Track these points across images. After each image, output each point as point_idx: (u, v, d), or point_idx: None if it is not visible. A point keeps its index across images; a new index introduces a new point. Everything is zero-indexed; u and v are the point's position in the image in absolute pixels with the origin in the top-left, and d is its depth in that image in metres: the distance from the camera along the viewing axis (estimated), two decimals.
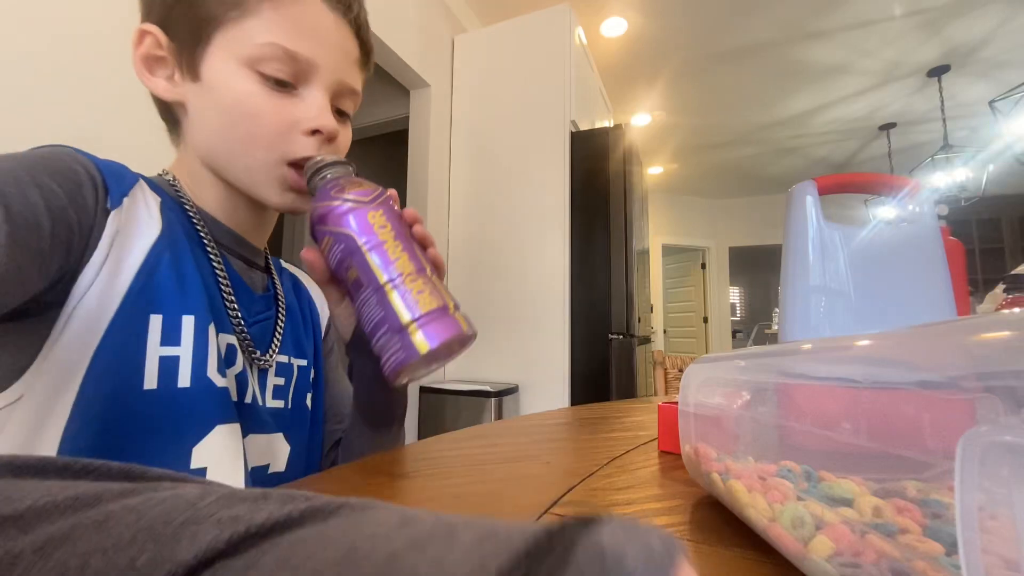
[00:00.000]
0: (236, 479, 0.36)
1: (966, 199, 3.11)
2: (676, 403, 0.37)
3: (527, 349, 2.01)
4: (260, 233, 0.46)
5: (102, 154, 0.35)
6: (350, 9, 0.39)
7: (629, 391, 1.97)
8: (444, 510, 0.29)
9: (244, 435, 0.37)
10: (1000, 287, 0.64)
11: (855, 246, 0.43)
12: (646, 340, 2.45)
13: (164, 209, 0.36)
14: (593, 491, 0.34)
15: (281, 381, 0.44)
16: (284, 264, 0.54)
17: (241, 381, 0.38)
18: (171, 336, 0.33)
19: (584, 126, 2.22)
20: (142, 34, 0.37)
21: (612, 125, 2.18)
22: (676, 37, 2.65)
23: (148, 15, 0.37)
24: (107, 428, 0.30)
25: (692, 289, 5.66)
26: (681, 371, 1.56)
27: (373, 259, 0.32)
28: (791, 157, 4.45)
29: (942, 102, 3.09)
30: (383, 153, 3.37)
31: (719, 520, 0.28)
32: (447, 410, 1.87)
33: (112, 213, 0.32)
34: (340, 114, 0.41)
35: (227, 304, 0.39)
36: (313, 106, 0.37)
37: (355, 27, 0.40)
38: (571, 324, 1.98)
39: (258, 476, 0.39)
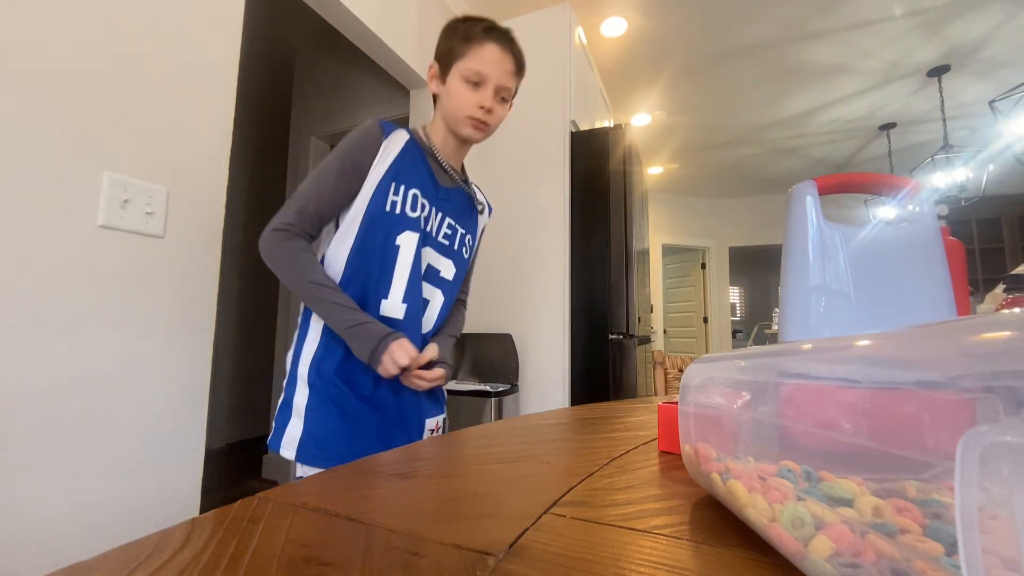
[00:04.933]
0: (409, 258, 0.77)
1: (966, 199, 3.11)
2: (676, 403, 0.37)
3: (527, 348, 2.01)
4: (457, 157, 0.86)
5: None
6: (512, 46, 0.79)
7: (629, 391, 1.97)
8: (444, 510, 0.29)
9: (421, 245, 0.78)
10: (1000, 287, 0.65)
11: (855, 246, 0.43)
12: (646, 340, 2.44)
13: (408, 143, 0.79)
14: (593, 491, 0.34)
15: (449, 232, 0.84)
16: (476, 186, 0.94)
17: (426, 220, 0.79)
18: (401, 194, 0.76)
19: (584, 126, 2.22)
20: (432, 66, 0.82)
21: (612, 125, 2.18)
22: (676, 37, 2.65)
23: (434, 55, 0.82)
24: (368, 233, 0.75)
25: (692, 289, 5.66)
26: (681, 371, 1.56)
27: None
28: (791, 157, 4.45)
29: (942, 102, 3.09)
30: None
31: (719, 520, 0.28)
32: (447, 410, 1.87)
33: (383, 141, 0.76)
34: (503, 100, 0.80)
35: (432, 180, 0.81)
36: (485, 96, 0.77)
37: (513, 55, 0.79)
38: (571, 324, 1.98)
39: (430, 276, 0.82)
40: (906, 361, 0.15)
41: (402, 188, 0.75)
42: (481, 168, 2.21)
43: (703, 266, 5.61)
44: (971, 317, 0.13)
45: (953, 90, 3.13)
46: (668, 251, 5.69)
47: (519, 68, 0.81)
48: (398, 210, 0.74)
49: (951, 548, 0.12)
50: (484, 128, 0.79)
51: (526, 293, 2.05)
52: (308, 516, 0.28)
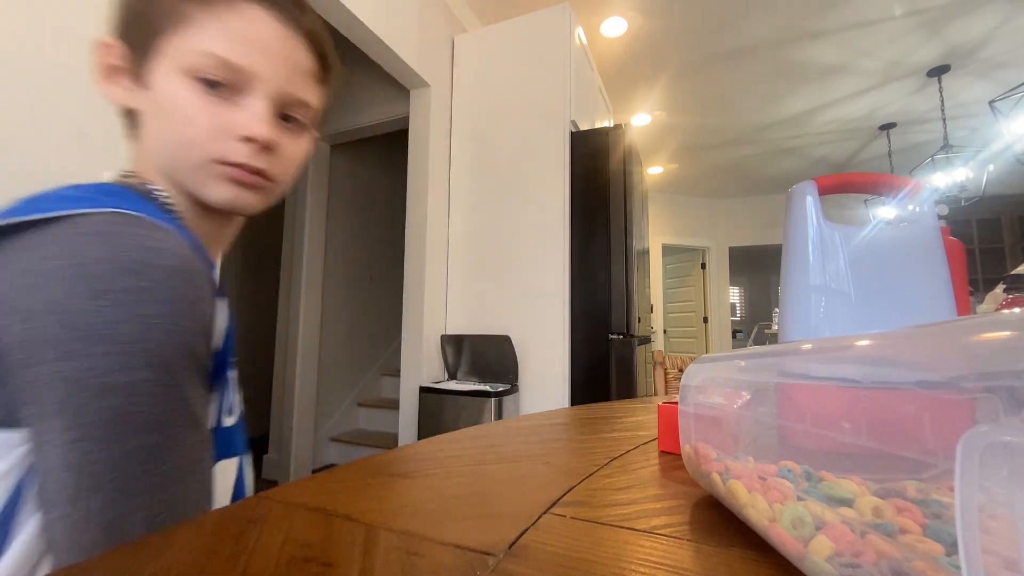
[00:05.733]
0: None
1: (966, 199, 3.11)
2: (676, 403, 0.37)
3: (527, 348, 2.01)
4: (218, 246, 0.45)
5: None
6: (299, 20, 0.39)
7: (629, 391, 1.97)
8: (444, 510, 0.29)
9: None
10: (1000, 287, 0.65)
11: (855, 246, 0.43)
12: (646, 340, 2.44)
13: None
14: (593, 491, 0.34)
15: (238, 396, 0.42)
16: None
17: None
18: None
19: (584, 126, 2.22)
20: (102, 45, 0.38)
21: (612, 125, 2.18)
22: (676, 37, 2.65)
23: (111, 30, 0.39)
24: None
25: (692, 289, 5.66)
26: (681, 371, 1.56)
27: None
28: (791, 157, 4.45)
29: (942, 102, 3.09)
30: (383, 153, 3.37)
31: (719, 520, 0.28)
32: (447, 410, 1.87)
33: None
34: (289, 122, 0.41)
35: None
36: (248, 113, 0.37)
37: (307, 38, 0.40)
38: (571, 324, 1.98)
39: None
40: (906, 361, 0.15)
41: None
42: (480, 168, 2.21)
43: (703, 266, 5.61)
44: (971, 317, 0.13)
45: (953, 90, 3.13)
46: (668, 251, 5.69)
47: (323, 67, 0.43)
48: None
49: (951, 548, 0.12)
50: (258, 183, 0.39)
51: (526, 293, 2.05)
52: (308, 516, 0.28)
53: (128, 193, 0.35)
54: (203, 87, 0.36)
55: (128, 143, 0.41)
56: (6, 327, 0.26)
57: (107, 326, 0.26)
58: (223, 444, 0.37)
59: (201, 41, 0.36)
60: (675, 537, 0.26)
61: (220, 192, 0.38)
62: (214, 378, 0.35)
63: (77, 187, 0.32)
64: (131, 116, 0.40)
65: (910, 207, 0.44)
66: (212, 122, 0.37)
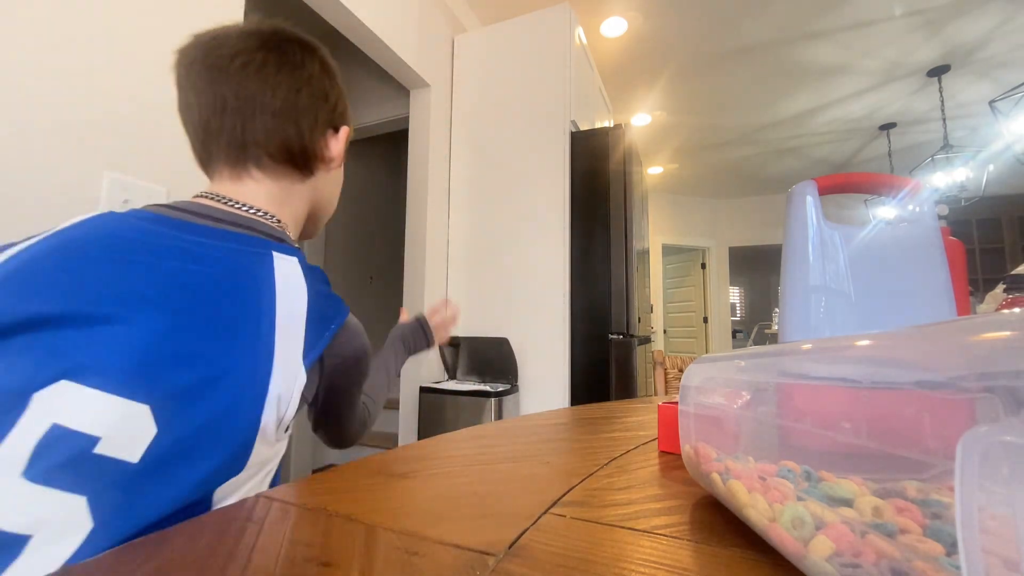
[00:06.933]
0: None
1: (966, 199, 3.11)
2: (676, 403, 0.37)
3: (527, 349, 2.01)
4: None
5: None
6: None
7: (629, 391, 1.97)
8: (444, 510, 0.29)
9: None
10: (1000, 287, 0.65)
11: (855, 246, 0.43)
12: (646, 340, 2.44)
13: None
14: (593, 491, 0.34)
15: None
16: None
17: None
18: None
19: (584, 126, 2.22)
20: (347, 131, 0.55)
21: (612, 125, 2.18)
22: (676, 37, 2.65)
23: (336, 110, 0.54)
24: None
25: (692, 289, 5.66)
26: (681, 371, 1.56)
27: None
28: (791, 157, 4.45)
29: (942, 102, 3.09)
30: (383, 153, 3.37)
31: (719, 520, 0.28)
32: (447, 410, 1.87)
33: None
34: None
35: None
36: None
37: None
38: (571, 324, 1.98)
39: None
40: (906, 361, 0.15)
41: None
42: (480, 168, 2.21)
43: (703, 266, 5.61)
44: (971, 317, 0.13)
45: (953, 90, 3.13)
46: (668, 251, 5.70)
47: None
48: None
49: (951, 548, 0.12)
50: None
51: (526, 293, 2.05)
52: (308, 516, 0.28)
53: (325, 276, 0.50)
54: None
55: (282, 181, 0.51)
56: (336, 368, 0.47)
57: (365, 354, 0.51)
58: None
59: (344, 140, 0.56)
60: (675, 537, 0.26)
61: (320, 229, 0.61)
62: None
63: (323, 280, 0.47)
64: (315, 163, 0.53)
65: (910, 207, 0.44)
66: None
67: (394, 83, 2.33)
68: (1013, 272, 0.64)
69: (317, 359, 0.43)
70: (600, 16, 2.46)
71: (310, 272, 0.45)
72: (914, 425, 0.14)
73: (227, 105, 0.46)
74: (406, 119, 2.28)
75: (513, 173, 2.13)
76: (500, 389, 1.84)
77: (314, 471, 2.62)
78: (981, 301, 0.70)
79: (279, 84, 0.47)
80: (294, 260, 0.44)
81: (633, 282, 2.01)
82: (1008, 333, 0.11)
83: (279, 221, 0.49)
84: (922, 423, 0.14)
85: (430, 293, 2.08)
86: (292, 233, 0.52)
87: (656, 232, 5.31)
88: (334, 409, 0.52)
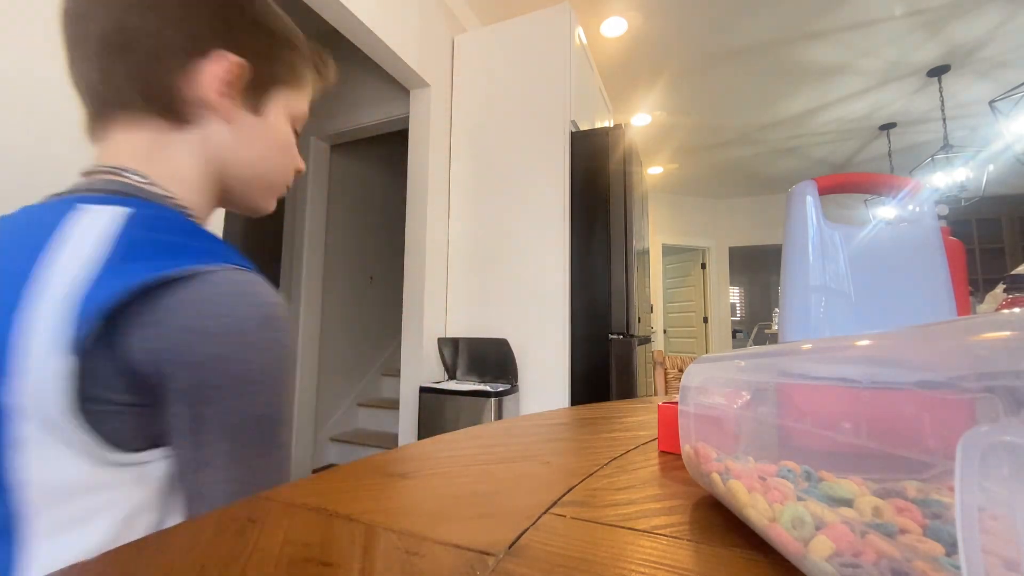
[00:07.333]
0: None
1: (966, 199, 3.11)
2: (676, 403, 0.37)
3: (526, 348, 2.01)
4: None
5: None
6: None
7: (629, 391, 1.97)
8: (444, 510, 0.29)
9: None
10: (1000, 287, 0.65)
11: (855, 246, 0.43)
12: (646, 340, 2.44)
13: None
14: (593, 491, 0.34)
15: None
16: None
17: None
18: None
19: (584, 126, 2.22)
20: (238, 64, 0.42)
21: (612, 125, 2.18)
22: (676, 37, 2.65)
23: (229, 47, 0.42)
24: None
25: (692, 289, 5.66)
26: (681, 371, 1.56)
27: None
28: (791, 157, 4.45)
29: (942, 102, 3.09)
30: (383, 153, 3.37)
31: (719, 520, 0.28)
32: (447, 410, 1.87)
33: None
34: None
35: None
36: (298, 155, 0.52)
37: None
38: (571, 324, 1.98)
39: None
40: (906, 361, 0.15)
41: None
42: (480, 168, 2.21)
43: (703, 266, 5.61)
44: (971, 317, 0.13)
45: (953, 90, 3.13)
46: (668, 251, 5.70)
47: None
48: None
49: (951, 548, 0.12)
50: None
51: (526, 293, 2.05)
52: (308, 516, 0.28)
53: (197, 229, 0.38)
54: (294, 133, 0.50)
55: (144, 132, 0.41)
56: (171, 375, 0.31)
57: (256, 372, 0.34)
58: None
59: (303, 104, 0.50)
60: (675, 537, 0.26)
61: (271, 205, 0.51)
62: None
63: (173, 230, 0.36)
64: (188, 112, 0.41)
65: (910, 207, 0.44)
66: (293, 158, 0.50)
67: (394, 83, 2.34)
68: (1013, 272, 0.64)
69: (94, 331, 0.29)
70: (600, 16, 2.46)
71: (144, 221, 0.34)
72: (914, 425, 0.14)
73: (76, 50, 0.39)
74: (406, 119, 2.28)
75: (513, 173, 2.13)
76: (500, 389, 1.84)
77: (314, 471, 2.62)
78: (981, 301, 0.70)
79: (109, 3, 0.37)
80: (112, 209, 0.34)
81: (633, 282, 2.01)
82: (1008, 333, 0.11)
83: (146, 178, 0.40)
84: (922, 423, 0.14)
85: (430, 293, 2.08)
86: (191, 196, 0.42)
87: (656, 232, 5.31)
88: (177, 460, 0.33)
